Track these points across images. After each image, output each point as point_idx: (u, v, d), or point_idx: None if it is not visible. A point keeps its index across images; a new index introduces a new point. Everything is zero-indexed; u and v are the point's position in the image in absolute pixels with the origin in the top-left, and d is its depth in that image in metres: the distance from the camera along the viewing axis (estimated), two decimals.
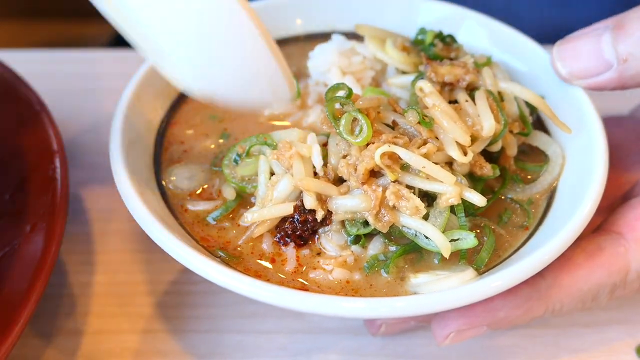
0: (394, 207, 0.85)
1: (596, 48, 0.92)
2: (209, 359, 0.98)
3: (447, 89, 0.95)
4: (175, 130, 1.05)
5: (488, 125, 0.88)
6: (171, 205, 0.95)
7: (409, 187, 0.86)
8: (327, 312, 0.78)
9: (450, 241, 0.84)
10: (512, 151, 0.95)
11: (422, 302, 0.78)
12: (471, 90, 0.95)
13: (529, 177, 0.98)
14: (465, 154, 0.87)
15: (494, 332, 1.00)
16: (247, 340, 0.99)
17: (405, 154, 0.84)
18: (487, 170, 0.90)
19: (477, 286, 0.78)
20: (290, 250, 0.90)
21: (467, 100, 0.92)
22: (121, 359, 0.98)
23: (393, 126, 0.90)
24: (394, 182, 0.85)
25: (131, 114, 0.96)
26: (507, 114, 0.95)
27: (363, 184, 0.86)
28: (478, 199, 0.84)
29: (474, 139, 0.89)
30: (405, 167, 0.86)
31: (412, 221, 0.85)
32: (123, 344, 0.99)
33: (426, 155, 0.85)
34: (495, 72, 1.01)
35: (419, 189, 0.86)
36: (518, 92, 0.96)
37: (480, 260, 0.87)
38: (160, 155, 1.01)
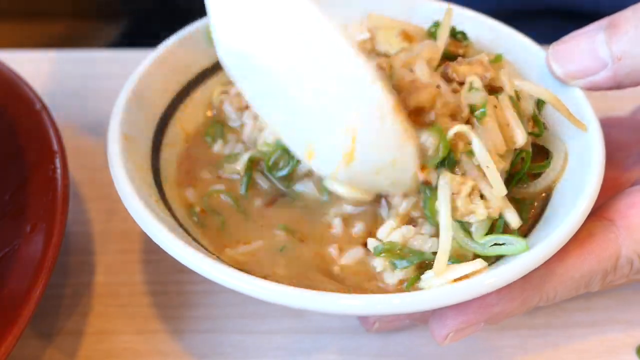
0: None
1: (591, 48, 0.92)
2: (209, 359, 0.98)
3: None
4: (175, 129, 1.05)
5: (522, 137, 0.86)
6: (170, 204, 0.94)
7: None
8: (324, 309, 0.78)
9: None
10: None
11: (420, 298, 0.77)
12: (489, 91, 0.92)
13: None
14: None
15: (494, 333, 1.00)
16: (248, 341, 0.99)
17: (477, 145, 0.81)
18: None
19: (475, 283, 0.78)
20: None
21: (495, 106, 0.87)
22: (121, 359, 0.98)
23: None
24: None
25: (130, 112, 0.95)
26: (523, 113, 0.92)
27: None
28: (516, 221, 0.83)
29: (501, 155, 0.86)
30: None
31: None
32: (123, 344, 0.99)
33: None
34: (508, 71, 1.00)
35: None
36: (533, 91, 0.93)
37: None
38: (159, 154, 1.00)
